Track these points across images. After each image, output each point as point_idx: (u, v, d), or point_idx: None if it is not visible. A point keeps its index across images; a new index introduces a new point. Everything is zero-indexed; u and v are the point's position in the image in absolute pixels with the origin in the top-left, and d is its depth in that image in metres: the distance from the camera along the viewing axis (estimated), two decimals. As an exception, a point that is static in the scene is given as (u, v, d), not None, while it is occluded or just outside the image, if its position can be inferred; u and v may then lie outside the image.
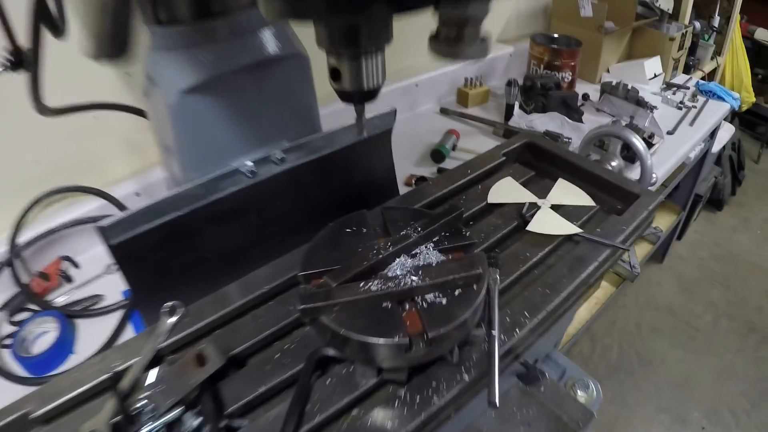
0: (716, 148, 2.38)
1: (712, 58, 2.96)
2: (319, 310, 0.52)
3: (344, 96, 0.52)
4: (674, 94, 1.98)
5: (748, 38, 3.52)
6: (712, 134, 2.11)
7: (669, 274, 2.64)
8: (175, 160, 0.69)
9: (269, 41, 0.67)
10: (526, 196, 0.81)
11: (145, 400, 0.48)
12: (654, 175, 1.02)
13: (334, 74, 0.50)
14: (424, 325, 0.52)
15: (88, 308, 1.04)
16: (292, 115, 0.73)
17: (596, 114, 1.68)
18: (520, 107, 1.65)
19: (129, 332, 0.99)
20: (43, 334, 0.99)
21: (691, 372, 2.19)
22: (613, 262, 0.74)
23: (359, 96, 0.51)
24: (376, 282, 0.55)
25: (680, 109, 1.86)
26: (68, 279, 1.11)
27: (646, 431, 1.96)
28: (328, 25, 0.46)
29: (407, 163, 1.41)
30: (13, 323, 1.03)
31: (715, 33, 2.91)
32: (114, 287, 1.08)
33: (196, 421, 0.48)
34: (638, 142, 0.98)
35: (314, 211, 0.72)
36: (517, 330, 0.59)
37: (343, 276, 0.56)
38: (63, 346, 0.95)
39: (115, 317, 1.01)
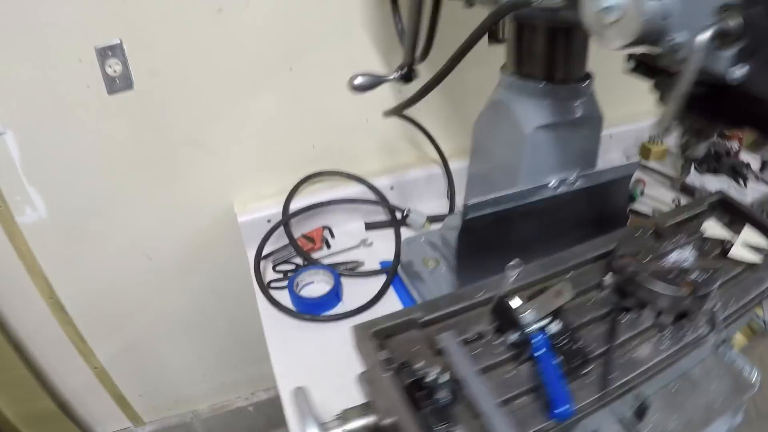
0: None
1: None
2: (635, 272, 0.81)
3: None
4: None
5: None
6: None
7: None
8: (508, 173, 0.99)
9: (587, 104, 0.95)
10: (725, 234, 1.07)
11: (528, 310, 0.75)
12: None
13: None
14: (695, 287, 0.78)
15: (353, 269, 1.33)
16: (584, 154, 1.03)
17: (756, 182, 1.88)
18: (695, 168, 1.85)
19: (390, 294, 1.24)
20: (311, 283, 1.28)
21: None
22: None
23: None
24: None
25: None
26: (328, 245, 1.41)
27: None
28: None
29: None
30: (277, 271, 1.31)
31: None
32: (367, 258, 1.35)
33: (558, 326, 0.75)
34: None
35: (581, 224, 1.01)
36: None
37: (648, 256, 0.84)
38: (336, 294, 1.23)
39: (373, 280, 1.27)
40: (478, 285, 0.85)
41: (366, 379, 0.72)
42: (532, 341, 0.73)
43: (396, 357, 0.72)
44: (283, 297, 1.22)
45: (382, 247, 1.39)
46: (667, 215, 1.10)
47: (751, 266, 1.01)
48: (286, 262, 1.34)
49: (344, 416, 0.71)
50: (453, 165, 1.50)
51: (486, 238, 0.97)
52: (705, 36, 0.61)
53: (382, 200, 1.45)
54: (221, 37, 1.18)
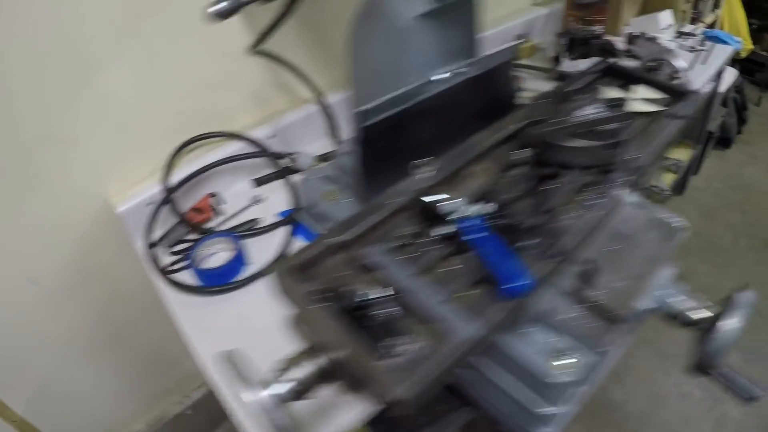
0: (723, 88, 2.66)
1: (711, 11, 3.25)
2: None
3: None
4: (685, 41, 2.26)
5: (742, -10, 3.79)
6: (719, 76, 2.38)
7: (690, 204, 2.93)
8: (393, 75, 0.95)
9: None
10: (620, 94, 1.10)
11: (451, 199, 0.73)
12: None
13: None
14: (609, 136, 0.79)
15: (251, 228, 1.25)
16: (463, 43, 1.01)
17: (626, 59, 1.96)
18: (568, 52, 1.87)
19: (298, 243, 1.18)
20: (213, 254, 1.21)
21: (719, 281, 2.50)
22: (685, 127, 1.03)
23: None
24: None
25: (692, 52, 2.11)
26: (219, 212, 1.32)
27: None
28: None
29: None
30: (174, 253, 1.23)
31: (712, -12, 3.18)
32: (265, 214, 1.29)
33: (489, 206, 0.73)
34: (681, 60, 1.27)
35: (475, 116, 0.99)
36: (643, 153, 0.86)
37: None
38: (239, 258, 1.16)
39: (275, 234, 1.23)
40: (390, 192, 0.81)
41: (298, 318, 0.67)
42: (462, 228, 0.69)
43: (324, 287, 0.66)
44: (190, 278, 1.17)
45: (277, 200, 1.34)
46: (563, 86, 1.13)
47: (651, 116, 1.06)
48: (182, 241, 1.26)
49: (286, 366, 0.63)
50: (329, 99, 1.44)
51: (386, 146, 0.92)
52: None
53: (262, 151, 1.39)
54: (53, 12, 1.04)
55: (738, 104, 3.27)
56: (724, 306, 0.80)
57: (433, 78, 0.90)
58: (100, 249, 1.35)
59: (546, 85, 1.64)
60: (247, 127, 1.42)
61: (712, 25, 3.29)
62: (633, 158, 0.82)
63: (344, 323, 0.60)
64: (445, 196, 0.74)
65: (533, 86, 1.70)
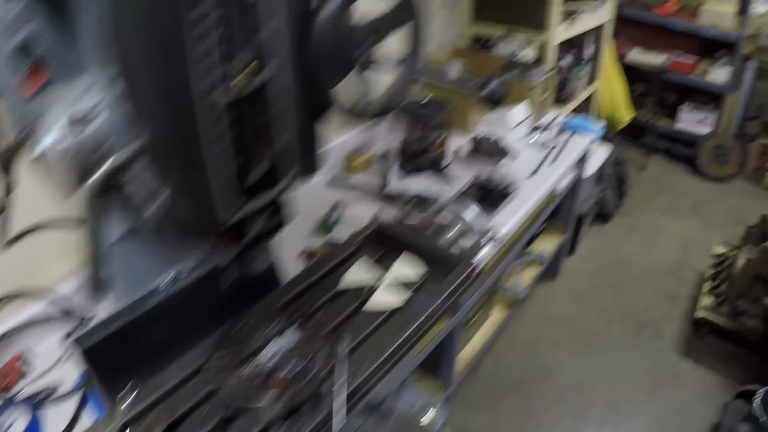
0: (590, 172, 2.76)
1: (585, 87, 3.41)
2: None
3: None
4: (541, 134, 2.34)
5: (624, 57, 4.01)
6: (582, 162, 2.48)
7: (562, 289, 2.94)
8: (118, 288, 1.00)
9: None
10: (370, 278, 1.09)
11: None
12: (484, 238, 1.33)
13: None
14: (286, 385, 0.81)
15: (47, 397, 1.27)
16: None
17: (466, 168, 2.04)
18: (401, 167, 1.97)
19: (87, 412, 1.23)
20: (12, 424, 1.22)
21: (589, 374, 2.47)
22: (438, 316, 1.07)
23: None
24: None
25: (545, 149, 2.22)
26: (25, 373, 1.34)
27: (553, 434, 2.24)
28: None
29: (302, 235, 1.69)
30: None
31: (588, 62, 3.36)
32: (68, 374, 1.32)
33: None
34: (465, 215, 1.31)
35: (230, 301, 1.02)
36: (357, 378, 0.86)
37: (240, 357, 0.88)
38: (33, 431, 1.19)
39: (72, 401, 1.26)
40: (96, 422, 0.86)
41: None
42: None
43: None
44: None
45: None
46: (312, 269, 1.14)
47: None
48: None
49: None
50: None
51: (120, 354, 0.96)
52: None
53: (66, 312, 1.42)
54: None
55: (616, 178, 3.41)
56: None
57: (156, 288, 0.95)
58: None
59: (373, 209, 1.69)
60: (63, 276, 1.47)
61: (589, 99, 3.47)
62: (329, 395, 0.85)
63: None
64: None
65: (360, 210, 1.76)
